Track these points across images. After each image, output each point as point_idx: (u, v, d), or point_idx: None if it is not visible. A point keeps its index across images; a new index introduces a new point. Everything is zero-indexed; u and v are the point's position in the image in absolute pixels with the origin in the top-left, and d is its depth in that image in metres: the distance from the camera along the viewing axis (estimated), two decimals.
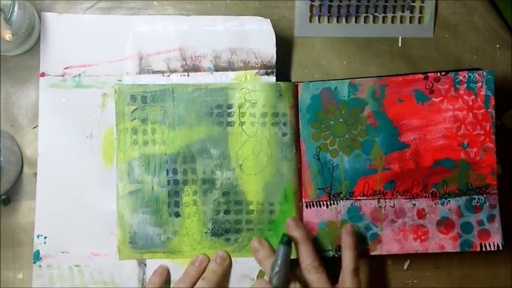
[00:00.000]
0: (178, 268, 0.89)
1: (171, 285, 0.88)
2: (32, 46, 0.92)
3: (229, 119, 0.88)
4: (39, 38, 0.92)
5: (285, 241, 0.81)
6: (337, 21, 0.96)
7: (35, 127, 0.92)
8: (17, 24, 0.84)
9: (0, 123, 0.92)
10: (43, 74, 0.91)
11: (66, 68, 0.91)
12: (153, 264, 0.89)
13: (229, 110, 0.89)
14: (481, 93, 0.88)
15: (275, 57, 0.90)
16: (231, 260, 0.89)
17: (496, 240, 0.89)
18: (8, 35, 0.79)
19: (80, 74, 0.91)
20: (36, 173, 0.91)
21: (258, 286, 0.81)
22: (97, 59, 0.91)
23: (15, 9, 0.82)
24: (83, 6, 0.94)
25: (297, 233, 0.84)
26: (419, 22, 0.96)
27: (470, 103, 0.89)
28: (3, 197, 0.91)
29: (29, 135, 0.92)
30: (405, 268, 0.94)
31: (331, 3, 0.95)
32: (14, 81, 0.92)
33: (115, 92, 0.89)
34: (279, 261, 0.81)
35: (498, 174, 0.91)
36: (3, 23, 0.80)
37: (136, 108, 0.88)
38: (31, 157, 0.91)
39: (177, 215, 0.89)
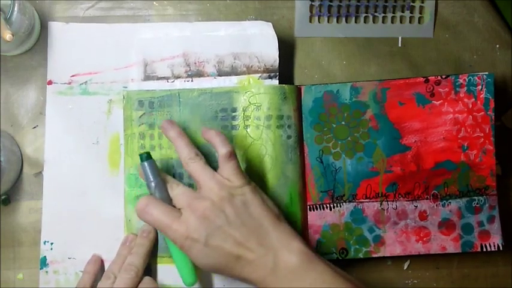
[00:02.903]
0: None
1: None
2: (32, 46, 0.95)
3: (234, 123, 0.91)
4: (39, 38, 0.94)
5: (144, 157, 0.84)
6: (337, 21, 0.98)
7: (35, 127, 0.94)
8: (17, 24, 0.86)
9: (0, 123, 0.94)
10: (50, 82, 0.94)
11: (72, 76, 0.94)
12: (161, 269, 0.91)
13: (233, 114, 0.91)
14: (480, 96, 0.92)
15: (278, 61, 0.93)
16: (156, 233, 0.90)
17: (496, 240, 0.92)
18: (8, 35, 0.81)
19: (86, 82, 0.94)
20: (36, 173, 0.93)
21: (144, 201, 0.83)
22: (103, 66, 0.94)
23: (15, 9, 0.84)
24: (83, 6, 0.96)
25: (172, 132, 0.86)
26: (419, 22, 0.99)
27: (470, 106, 0.92)
28: (3, 197, 0.93)
29: (29, 135, 0.94)
30: (405, 268, 0.96)
31: (331, 3, 0.97)
32: (14, 81, 0.95)
33: (123, 97, 0.92)
34: (151, 176, 0.83)
35: (498, 175, 0.94)
36: (3, 23, 0.82)
37: (143, 114, 0.91)
38: (31, 157, 0.94)
39: None
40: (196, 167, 0.84)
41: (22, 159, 0.95)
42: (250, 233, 0.80)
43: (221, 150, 0.84)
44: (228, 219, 0.80)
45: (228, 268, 0.80)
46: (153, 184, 0.84)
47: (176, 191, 0.84)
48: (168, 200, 0.84)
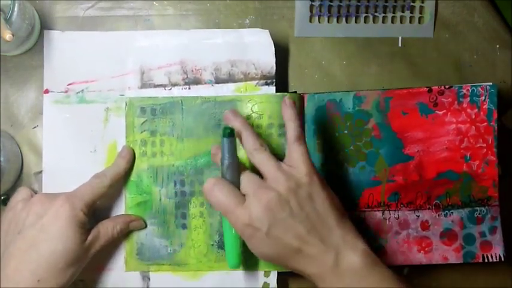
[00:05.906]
0: (183, 282, 0.93)
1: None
2: (32, 46, 0.95)
3: None
4: (39, 38, 0.95)
5: (227, 133, 0.82)
6: (337, 21, 0.99)
7: (35, 127, 0.95)
8: (17, 24, 0.87)
9: (0, 123, 0.95)
10: (47, 91, 0.94)
11: (69, 85, 0.95)
12: (157, 277, 0.93)
13: None
14: (484, 107, 0.93)
15: (274, 68, 0.94)
16: (134, 158, 0.93)
17: (497, 251, 0.93)
18: (8, 35, 0.82)
19: (83, 90, 0.95)
20: (36, 173, 0.95)
21: (211, 182, 0.82)
22: (99, 74, 0.95)
23: (15, 9, 0.85)
24: (83, 6, 0.97)
25: (236, 123, 0.85)
26: (419, 22, 1.00)
27: (473, 116, 0.93)
28: (3, 197, 0.94)
29: (29, 135, 0.96)
30: (404, 274, 0.97)
31: (331, 3, 0.98)
32: (14, 81, 0.96)
33: (126, 104, 0.93)
34: (227, 154, 0.82)
35: (498, 174, 0.95)
36: (3, 23, 0.83)
37: (146, 121, 0.92)
38: (31, 157, 0.95)
39: (184, 226, 0.92)
40: (261, 158, 0.83)
41: (22, 159, 0.96)
42: (313, 227, 0.79)
43: (291, 132, 0.84)
44: (292, 211, 0.79)
45: (285, 259, 0.80)
46: (226, 162, 0.83)
47: (243, 176, 0.83)
48: (237, 183, 0.83)
